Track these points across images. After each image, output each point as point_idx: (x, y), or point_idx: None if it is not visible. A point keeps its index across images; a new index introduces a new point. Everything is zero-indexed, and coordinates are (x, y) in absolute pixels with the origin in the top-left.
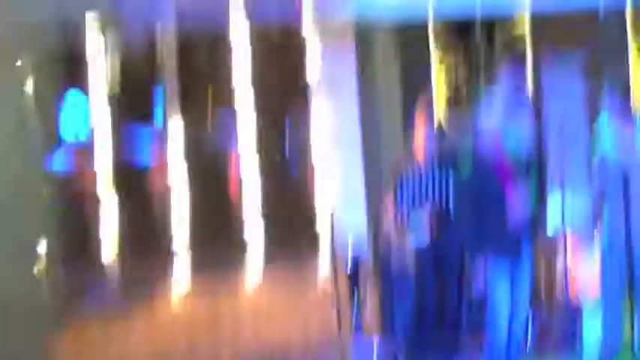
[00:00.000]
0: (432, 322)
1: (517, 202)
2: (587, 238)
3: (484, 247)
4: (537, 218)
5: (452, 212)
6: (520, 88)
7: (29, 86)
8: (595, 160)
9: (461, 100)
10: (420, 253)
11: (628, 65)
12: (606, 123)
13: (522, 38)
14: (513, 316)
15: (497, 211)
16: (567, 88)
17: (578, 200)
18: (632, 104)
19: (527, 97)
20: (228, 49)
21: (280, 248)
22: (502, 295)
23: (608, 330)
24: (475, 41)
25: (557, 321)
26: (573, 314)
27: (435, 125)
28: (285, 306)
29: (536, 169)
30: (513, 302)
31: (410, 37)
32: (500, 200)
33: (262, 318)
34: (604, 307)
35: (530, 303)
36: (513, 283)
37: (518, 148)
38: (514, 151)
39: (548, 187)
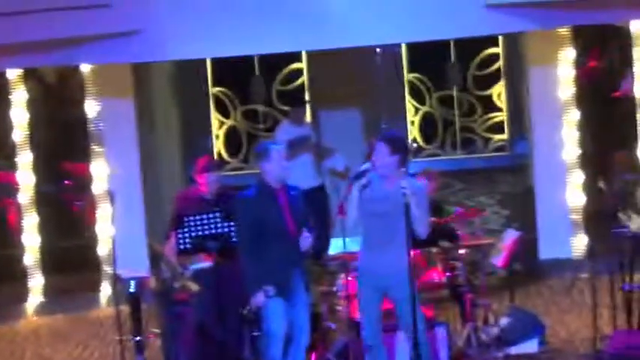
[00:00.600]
0: (213, 351)
1: (298, 233)
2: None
3: (263, 280)
4: (322, 245)
5: (235, 244)
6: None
7: None
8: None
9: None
10: (202, 283)
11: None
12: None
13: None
14: (294, 343)
15: (278, 243)
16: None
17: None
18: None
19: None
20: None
21: (63, 274)
22: (278, 326)
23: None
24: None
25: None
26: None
27: (215, 162)
28: (68, 326)
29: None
30: (295, 331)
31: (187, 78)
32: (281, 232)
33: (45, 339)
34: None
35: (313, 327)
36: (293, 312)
37: (303, 182)
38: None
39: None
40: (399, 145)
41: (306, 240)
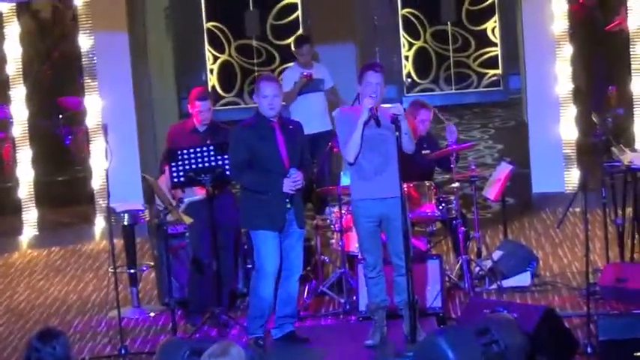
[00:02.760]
0: (206, 283)
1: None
2: None
3: (255, 215)
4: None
5: (228, 177)
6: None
7: None
8: None
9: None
10: (195, 216)
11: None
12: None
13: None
14: (288, 276)
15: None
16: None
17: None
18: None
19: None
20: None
21: (57, 207)
22: (270, 264)
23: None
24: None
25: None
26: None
27: (207, 91)
28: (62, 259)
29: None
30: (288, 263)
31: (182, 12)
32: (274, 165)
33: (39, 271)
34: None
35: (306, 260)
36: (287, 245)
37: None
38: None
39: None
40: (383, 72)
41: (289, 183)
